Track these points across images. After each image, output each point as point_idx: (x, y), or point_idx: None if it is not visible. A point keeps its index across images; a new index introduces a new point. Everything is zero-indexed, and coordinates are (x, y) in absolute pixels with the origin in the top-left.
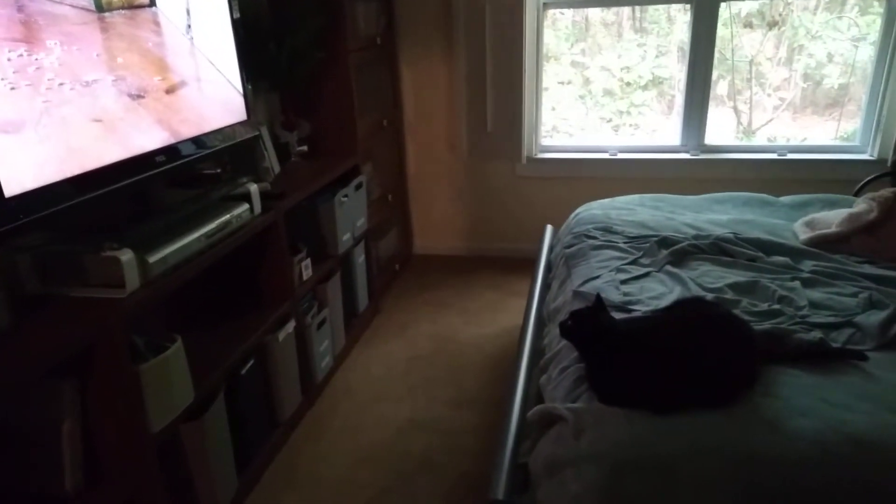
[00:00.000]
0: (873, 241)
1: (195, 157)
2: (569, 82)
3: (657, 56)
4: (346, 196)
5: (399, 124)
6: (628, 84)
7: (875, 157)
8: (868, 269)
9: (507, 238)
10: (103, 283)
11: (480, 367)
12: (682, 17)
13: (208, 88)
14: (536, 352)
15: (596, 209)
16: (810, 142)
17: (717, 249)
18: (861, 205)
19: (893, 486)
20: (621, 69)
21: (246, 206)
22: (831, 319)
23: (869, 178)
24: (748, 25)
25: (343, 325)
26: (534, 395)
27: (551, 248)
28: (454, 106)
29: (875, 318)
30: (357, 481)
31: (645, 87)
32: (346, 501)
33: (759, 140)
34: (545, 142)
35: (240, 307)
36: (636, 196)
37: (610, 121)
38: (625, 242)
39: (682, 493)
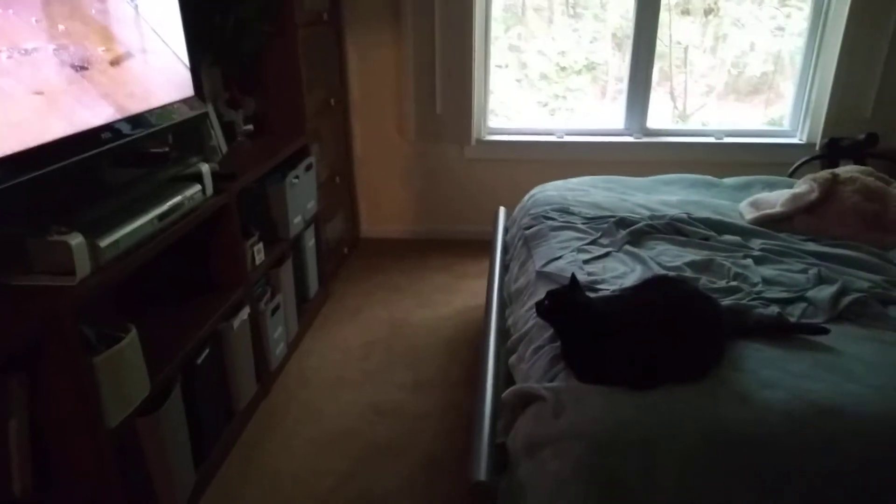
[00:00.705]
0: (814, 220)
1: (143, 134)
2: (506, 66)
3: (591, 41)
4: (296, 178)
5: (345, 104)
6: (563, 69)
7: (804, 141)
8: (811, 246)
9: (456, 220)
10: (51, 269)
11: (437, 350)
12: (615, 3)
13: (154, 61)
14: (501, 332)
15: (550, 190)
16: (742, 126)
17: (672, 229)
18: (802, 186)
19: (855, 450)
20: (558, 53)
21: (198, 187)
22: (785, 295)
23: (801, 160)
24: (686, 13)
25: (296, 311)
26: (503, 375)
27: (506, 230)
28: (402, 86)
29: (825, 292)
30: (318, 470)
31: (579, 73)
32: (307, 491)
33: (694, 124)
34: (492, 124)
35: (192, 293)
36: (588, 178)
37: (546, 105)
38: (583, 223)
39: (661, 468)
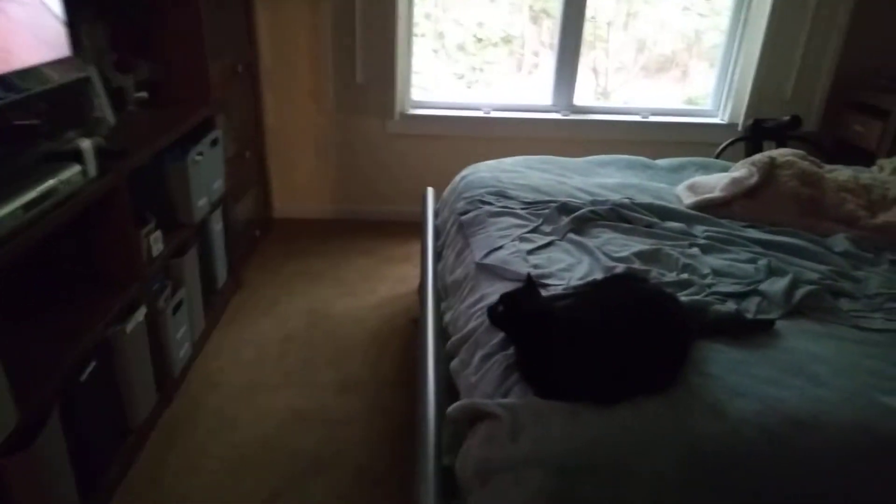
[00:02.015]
0: (753, 204)
1: (2, 102)
2: (422, 35)
3: (510, 13)
4: (200, 154)
5: (255, 70)
6: (480, 40)
7: (726, 121)
8: (752, 233)
9: (378, 200)
10: None
11: (363, 344)
12: None
13: (15, 11)
14: (439, 332)
15: (484, 172)
16: (665, 105)
17: (616, 216)
18: (741, 169)
19: (833, 465)
20: (476, 24)
21: (77, 167)
22: (737, 288)
23: (728, 142)
24: None
25: (202, 306)
26: (444, 382)
27: (437, 214)
28: (319, 52)
29: (778, 286)
30: (236, 489)
31: (496, 45)
32: None
33: (615, 102)
34: (415, 97)
35: (74, 295)
36: (521, 158)
37: (462, 77)
38: (522, 208)
39: (635, 493)
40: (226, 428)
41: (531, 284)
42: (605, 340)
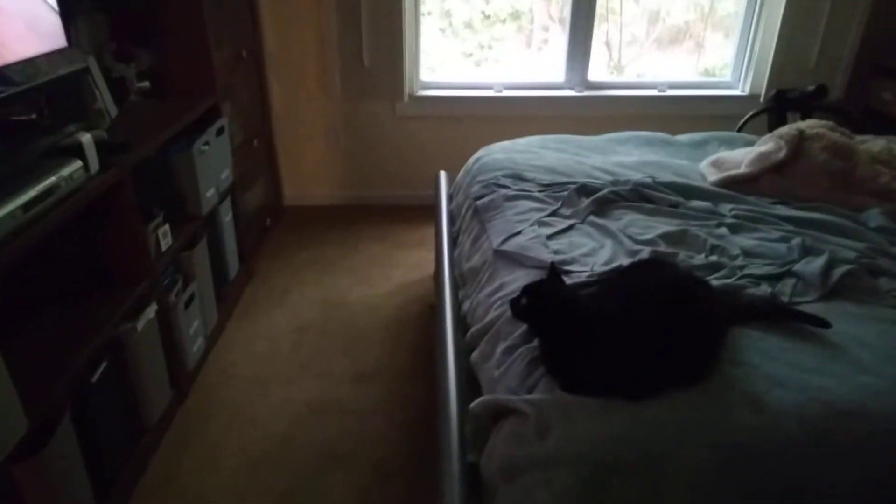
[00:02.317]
0: (782, 180)
1: None
2: (429, 13)
3: None
4: (206, 144)
5: (260, 56)
6: (488, 17)
7: (747, 92)
8: (782, 210)
9: (389, 184)
10: None
11: (378, 333)
12: None
13: (8, 2)
14: (457, 321)
15: (498, 153)
16: (682, 78)
17: (638, 196)
18: (768, 143)
19: (882, 455)
20: (484, 0)
21: (78, 162)
22: (770, 269)
23: (750, 114)
24: None
25: (214, 298)
26: (465, 374)
27: (450, 198)
28: (324, 36)
29: (813, 266)
30: (252, 487)
31: (504, 21)
32: None
33: (629, 76)
34: (424, 78)
35: (82, 294)
36: (536, 138)
37: (471, 55)
38: (539, 191)
39: (670, 492)
40: (241, 423)
41: (555, 274)
42: (633, 331)
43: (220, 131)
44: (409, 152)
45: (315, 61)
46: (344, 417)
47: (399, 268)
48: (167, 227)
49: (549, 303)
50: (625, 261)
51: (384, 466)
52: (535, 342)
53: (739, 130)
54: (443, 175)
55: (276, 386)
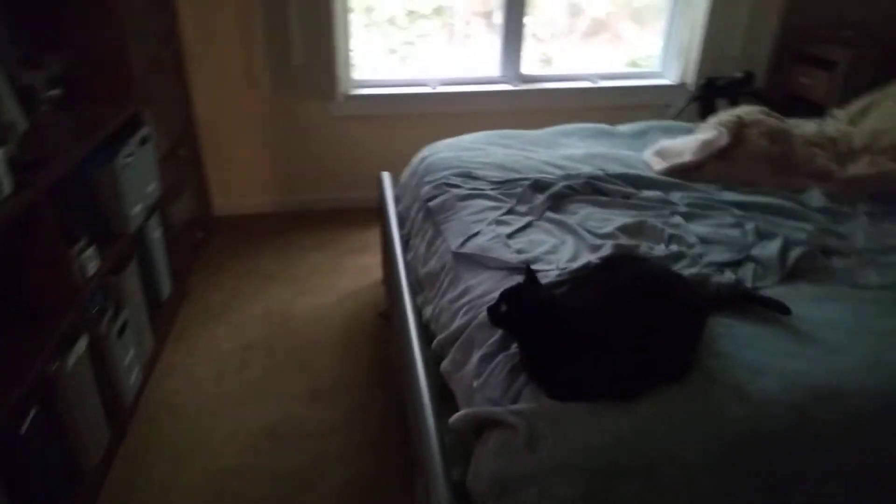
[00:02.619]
0: (726, 166)
1: None
2: (351, 10)
3: None
4: (130, 155)
5: (180, 57)
6: (411, 13)
7: (675, 81)
8: (730, 195)
9: (326, 188)
10: None
11: (330, 346)
12: None
13: None
14: (422, 330)
15: (444, 151)
16: (611, 70)
17: (591, 189)
18: (710, 131)
19: (856, 435)
20: None
21: None
22: (728, 256)
23: (685, 102)
24: None
25: (148, 322)
26: (436, 384)
27: (397, 199)
28: (249, 32)
29: (769, 249)
30: None
31: (427, 17)
32: None
33: (558, 69)
34: (357, 76)
35: (1, 330)
36: (482, 134)
37: (395, 52)
38: (492, 189)
39: (670, 491)
40: (191, 457)
41: (532, 277)
42: (618, 331)
43: (144, 141)
44: (345, 153)
45: (240, 60)
46: (305, 439)
47: (344, 275)
48: (93, 249)
49: (530, 308)
50: (588, 256)
51: (354, 487)
52: (513, 349)
53: (675, 119)
54: (386, 176)
55: (225, 412)
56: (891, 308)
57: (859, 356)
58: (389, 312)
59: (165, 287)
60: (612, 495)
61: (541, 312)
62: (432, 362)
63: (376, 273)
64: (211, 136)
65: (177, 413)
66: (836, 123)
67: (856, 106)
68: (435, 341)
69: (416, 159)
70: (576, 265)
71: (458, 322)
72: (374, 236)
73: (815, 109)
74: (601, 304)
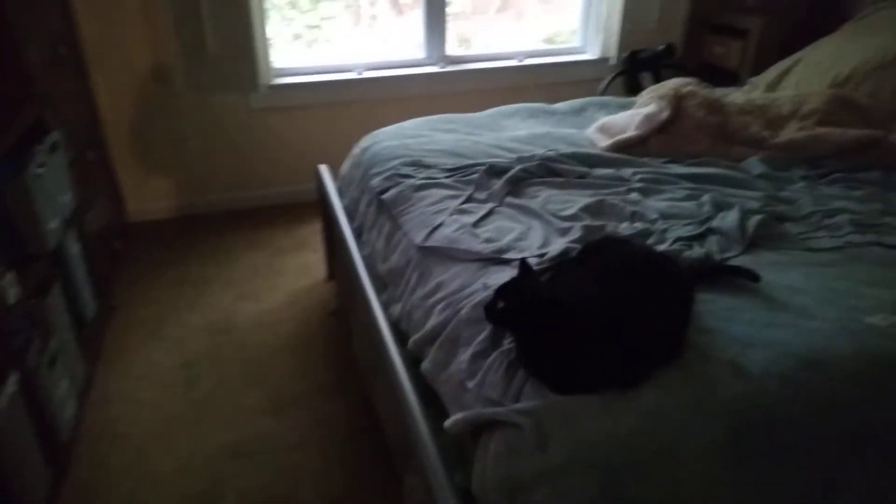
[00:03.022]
0: (668, 139)
1: None
2: None
3: None
4: (41, 165)
5: (79, 51)
6: None
7: (597, 56)
8: (676, 168)
9: (252, 185)
10: None
11: (282, 353)
12: None
13: None
14: (395, 330)
15: (386, 140)
16: (528, 47)
17: (546, 170)
18: (650, 105)
19: (843, 398)
20: None
21: None
22: (690, 230)
23: (611, 76)
24: None
25: (77, 347)
26: (418, 386)
27: (340, 193)
28: (155, 22)
29: (728, 220)
30: None
31: None
32: None
33: (476, 49)
34: (277, 64)
35: None
36: (422, 120)
37: (300, 37)
38: (446, 177)
39: (689, 480)
40: (147, 489)
41: (526, 271)
42: (619, 317)
43: (54, 148)
44: (269, 147)
45: (147, 52)
46: (271, 455)
47: (284, 275)
48: (12, 275)
49: (532, 304)
50: (559, 240)
51: (332, 500)
52: (506, 345)
53: (603, 94)
54: (324, 169)
55: (177, 436)
56: (847, 270)
57: (832, 319)
58: (341, 312)
59: (90, 306)
60: (629, 490)
61: (543, 307)
62: (410, 364)
63: (318, 271)
64: (120, 137)
65: (123, 443)
66: (754, 91)
67: (771, 73)
68: (411, 341)
69: (356, 149)
70: (549, 251)
71: (434, 320)
72: (309, 232)
73: (729, 78)
74: (599, 292)
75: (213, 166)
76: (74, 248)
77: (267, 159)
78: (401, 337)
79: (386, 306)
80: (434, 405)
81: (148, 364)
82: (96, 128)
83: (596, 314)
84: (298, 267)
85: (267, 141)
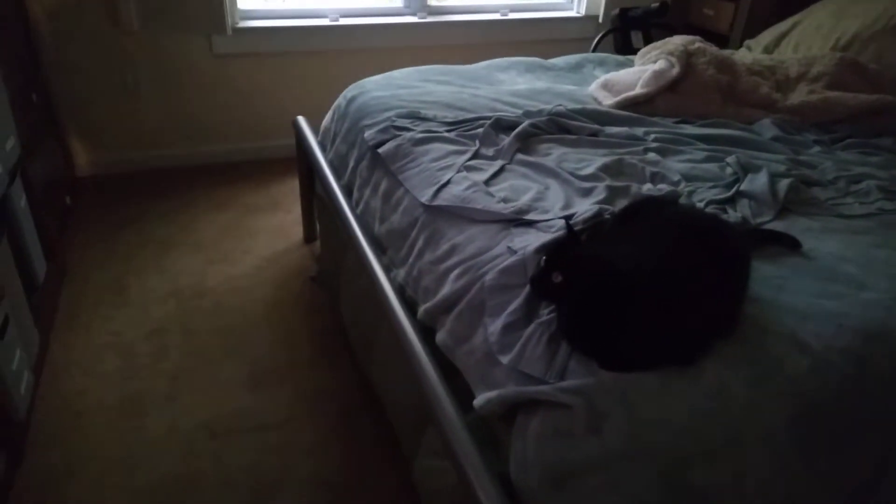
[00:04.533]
0: (678, 98)
1: None
2: None
3: None
4: None
5: None
6: None
7: (583, 13)
8: (688, 129)
9: (218, 139)
10: None
11: (260, 321)
12: None
13: None
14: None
15: (376, 90)
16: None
17: (556, 126)
18: (659, 62)
19: None
20: None
21: None
22: (717, 193)
23: (602, 33)
24: None
25: (30, 313)
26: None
27: (322, 147)
28: None
29: (757, 184)
30: None
31: None
32: None
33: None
34: (244, 5)
35: None
36: (411, 70)
37: None
38: (448, 130)
39: (757, 467)
40: (118, 470)
41: (572, 236)
42: (678, 287)
43: None
44: (234, 97)
45: None
46: (254, 433)
47: (257, 237)
48: None
49: (592, 274)
50: (582, 201)
51: (326, 478)
52: (545, 315)
53: (594, 51)
54: (303, 121)
55: (148, 412)
56: (883, 238)
57: (884, 289)
58: (324, 277)
59: (40, 267)
60: (694, 480)
61: (604, 277)
62: (424, 335)
63: (295, 233)
64: (66, 81)
65: (85, 421)
66: (752, 54)
67: (767, 36)
68: (422, 310)
69: (340, 100)
70: (577, 213)
71: (450, 287)
72: (283, 191)
73: (718, 42)
74: (653, 257)
75: (171, 117)
76: (20, 202)
77: (232, 111)
78: (408, 305)
79: (386, 272)
80: (450, 380)
81: (110, 333)
82: (35, 67)
83: (653, 282)
84: (272, 228)
85: (231, 91)
